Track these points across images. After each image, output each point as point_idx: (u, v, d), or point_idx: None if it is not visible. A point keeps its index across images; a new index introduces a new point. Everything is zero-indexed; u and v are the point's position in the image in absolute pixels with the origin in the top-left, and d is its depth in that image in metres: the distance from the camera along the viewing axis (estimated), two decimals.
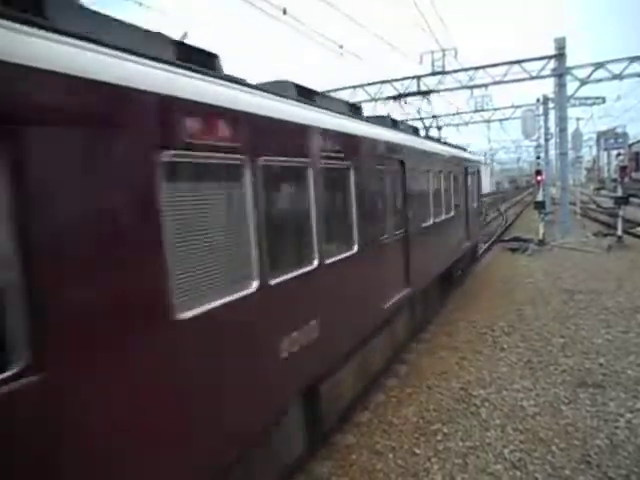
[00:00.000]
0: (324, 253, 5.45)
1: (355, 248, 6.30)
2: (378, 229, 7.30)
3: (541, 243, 21.20)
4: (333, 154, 5.87)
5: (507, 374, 7.89)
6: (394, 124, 9.83)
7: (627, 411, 6.42)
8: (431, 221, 10.31)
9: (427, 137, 13.70)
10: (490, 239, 23.84)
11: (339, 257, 5.85)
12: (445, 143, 15.20)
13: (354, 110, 8.01)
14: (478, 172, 17.71)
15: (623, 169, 25.44)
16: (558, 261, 17.70)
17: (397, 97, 15.64)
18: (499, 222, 33.32)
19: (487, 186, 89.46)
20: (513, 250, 20.80)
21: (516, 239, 23.28)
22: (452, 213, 12.43)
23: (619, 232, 20.83)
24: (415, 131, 11.85)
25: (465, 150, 17.77)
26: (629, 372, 7.64)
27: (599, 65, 23.16)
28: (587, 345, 8.94)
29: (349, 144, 6.47)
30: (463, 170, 14.37)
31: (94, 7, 3.42)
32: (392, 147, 8.29)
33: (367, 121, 7.96)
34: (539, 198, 23.22)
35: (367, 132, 7.29)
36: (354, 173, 6.40)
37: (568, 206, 24.98)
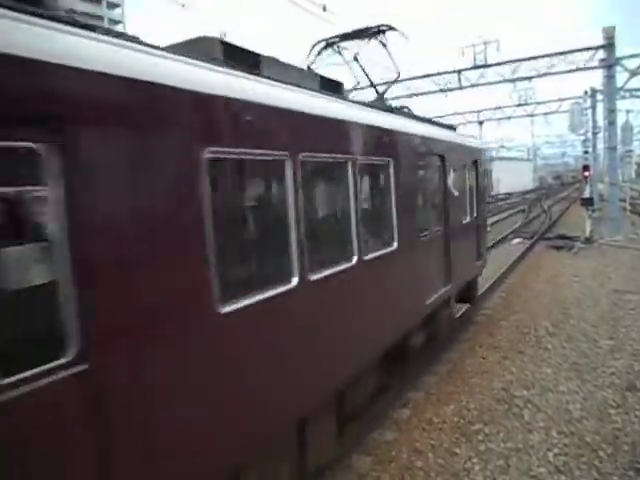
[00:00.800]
0: None
1: None
2: None
3: (588, 241, 20.49)
4: None
5: (551, 375, 7.69)
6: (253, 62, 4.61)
7: None
8: (326, 271, 4.87)
9: (381, 105, 7.53)
10: (533, 237, 23.21)
11: None
12: (409, 115, 8.32)
13: None
14: (475, 166, 10.92)
15: None
16: (606, 260, 17.06)
17: (328, 45, 7.81)
18: (542, 220, 32.37)
19: (530, 182, 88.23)
20: (558, 248, 20.18)
21: (561, 237, 22.58)
22: (394, 245, 6.44)
23: None
24: (334, 88, 6.02)
25: (452, 128, 11.03)
26: None
27: None
28: (637, 347, 8.61)
29: None
30: (438, 163, 8.55)
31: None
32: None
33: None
34: (586, 194, 22.46)
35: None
36: None
37: (617, 202, 24.03)
